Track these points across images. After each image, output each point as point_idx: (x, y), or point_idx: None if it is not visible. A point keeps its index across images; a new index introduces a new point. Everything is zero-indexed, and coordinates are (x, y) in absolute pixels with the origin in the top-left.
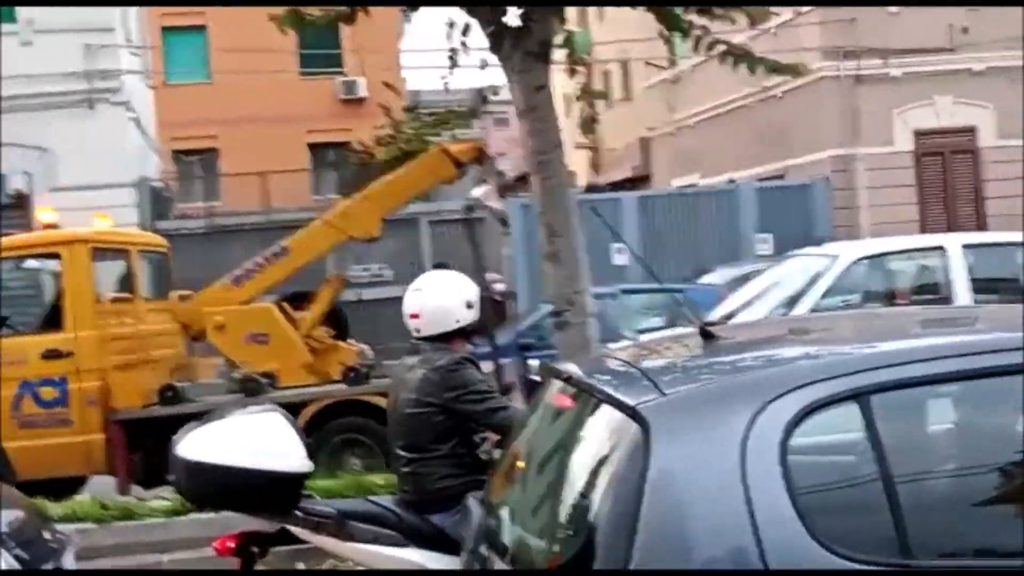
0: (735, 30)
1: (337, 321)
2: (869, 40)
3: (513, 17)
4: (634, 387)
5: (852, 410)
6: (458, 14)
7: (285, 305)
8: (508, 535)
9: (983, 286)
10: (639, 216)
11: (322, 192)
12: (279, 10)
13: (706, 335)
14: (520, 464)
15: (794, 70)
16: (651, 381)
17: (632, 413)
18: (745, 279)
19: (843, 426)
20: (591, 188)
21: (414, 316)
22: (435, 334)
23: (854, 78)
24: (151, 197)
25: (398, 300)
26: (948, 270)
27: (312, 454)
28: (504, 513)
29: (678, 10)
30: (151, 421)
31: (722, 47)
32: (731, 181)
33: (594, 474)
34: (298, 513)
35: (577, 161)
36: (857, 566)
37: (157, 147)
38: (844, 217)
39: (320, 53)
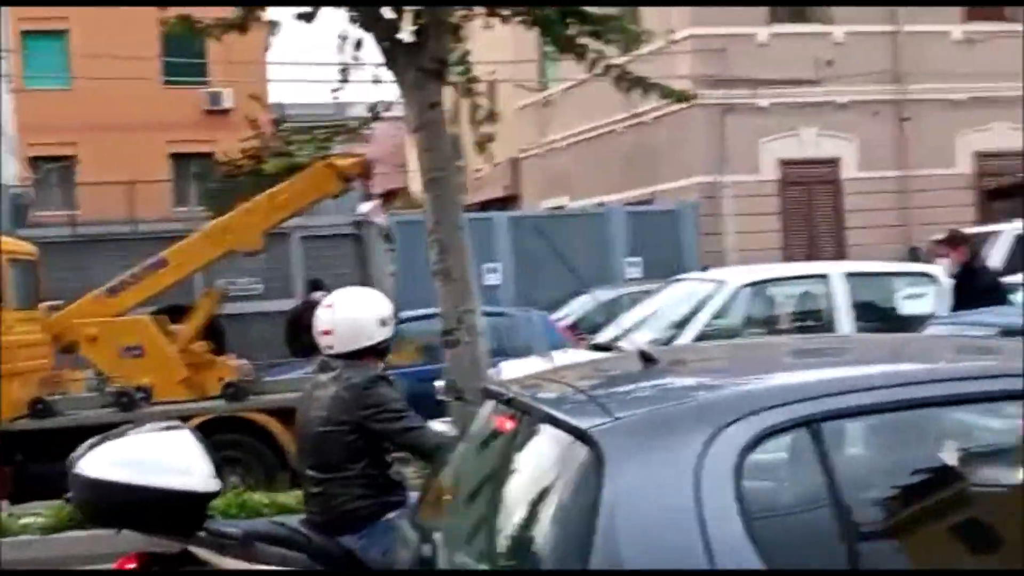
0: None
1: (215, 335)
2: (738, 70)
3: (408, 33)
4: (583, 410)
5: (803, 437)
6: (352, 28)
7: (161, 318)
8: (445, 561)
9: (863, 314)
10: (511, 236)
11: (183, 203)
12: (171, 13)
13: (646, 358)
14: (455, 487)
15: (684, 96)
16: (599, 404)
17: (583, 436)
18: (616, 302)
19: (795, 453)
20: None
21: (327, 333)
22: (348, 351)
23: (723, 107)
24: (10, 204)
25: (268, 315)
26: (831, 297)
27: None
28: (439, 538)
29: (571, 32)
30: (20, 435)
31: (616, 71)
32: (600, 204)
33: (540, 498)
34: (202, 534)
35: None
36: None
37: (16, 153)
38: (711, 243)
39: (184, 62)
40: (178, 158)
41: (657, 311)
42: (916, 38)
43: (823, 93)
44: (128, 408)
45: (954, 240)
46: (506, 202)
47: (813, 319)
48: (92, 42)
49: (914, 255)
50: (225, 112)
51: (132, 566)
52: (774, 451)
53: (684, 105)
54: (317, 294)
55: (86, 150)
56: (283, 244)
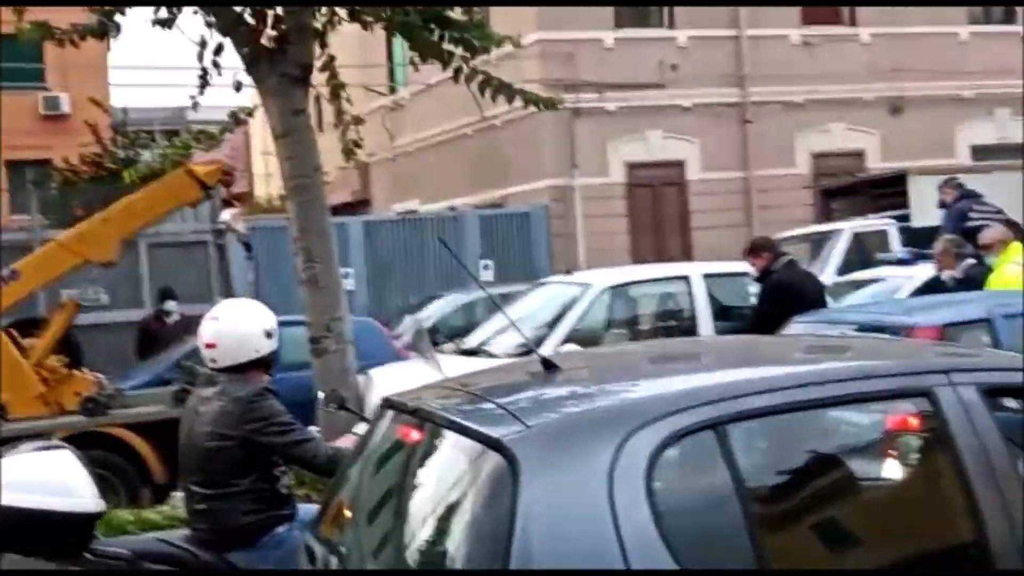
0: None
1: (69, 348)
2: (586, 74)
3: (268, 39)
4: (493, 419)
5: (710, 439)
6: (212, 33)
7: (13, 332)
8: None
9: (722, 314)
10: (364, 241)
11: (20, 212)
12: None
13: (547, 365)
14: (359, 500)
15: (551, 103)
16: (509, 413)
17: (496, 446)
18: (472, 306)
19: (702, 454)
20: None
21: (210, 346)
22: (233, 364)
23: (571, 111)
24: None
25: (116, 326)
26: (692, 298)
27: None
28: (344, 551)
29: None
30: None
31: (479, 76)
32: (452, 208)
33: (453, 508)
34: (88, 555)
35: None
36: None
37: None
38: (561, 244)
39: (19, 67)
40: (13, 165)
41: (524, 315)
42: (757, 42)
43: (668, 96)
44: None
45: (754, 248)
46: (355, 207)
47: (675, 319)
48: None
49: None
50: (63, 117)
51: None
52: (684, 453)
53: (533, 109)
54: (169, 303)
55: None
56: (130, 252)
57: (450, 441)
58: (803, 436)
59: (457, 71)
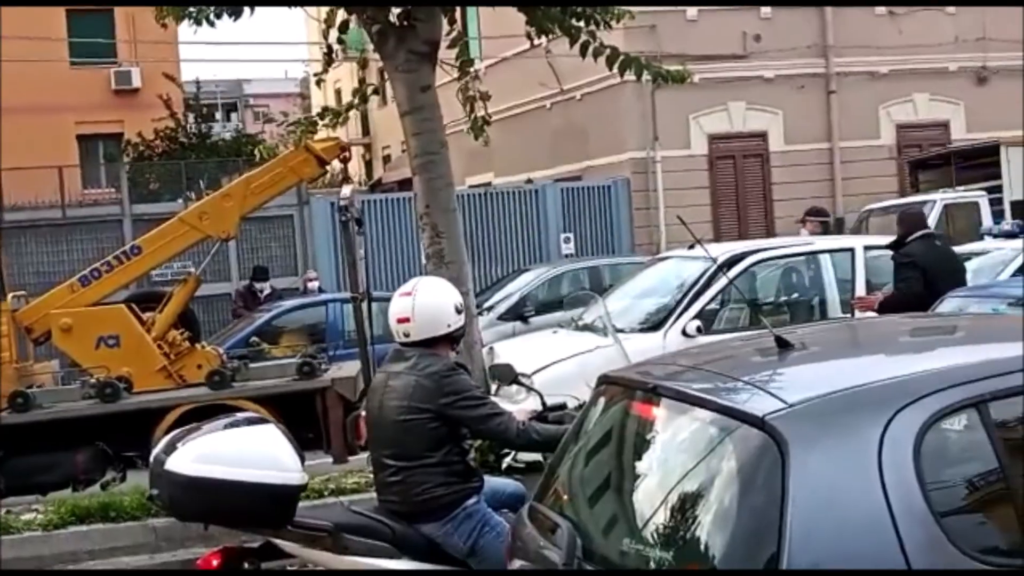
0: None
1: (188, 323)
2: (668, 46)
3: (395, 16)
4: (748, 396)
5: (973, 417)
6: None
7: (133, 306)
8: (608, 548)
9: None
10: None
11: (92, 186)
12: None
13: (781, 343)
14: (589, 477)
15: (680, 77)
16: (763, 390)
17: (758, 423)
18: (558, 280)
19: (965, 432)
20: (376, 186)
21: (403, 320)
22: (424, 339)
23: (652, 82)
24: None
25: (202, 299)
26: (819, 272)
27: None
28: (573, 529)
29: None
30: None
31: (608, 51)
32: (529, 180)
33: (701, 483)
34: (290, 528)
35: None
36: (986, 567)
37: None
38: (642, 218)
39: (91, 42)
40: (85, 139)
41: (645, 290)
42: (841, 12)
43: (751, 68)
44: (111, 399)
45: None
46: None
47: (801, 293)
48: None
49: (840, 226)
50: (134, 91)
51: (216, 562)
52: (949, 430)
53: (615, 81)
54: (261, 284)
55: None
56: None
57: (697, 418)
58: None
59: (584, 45)
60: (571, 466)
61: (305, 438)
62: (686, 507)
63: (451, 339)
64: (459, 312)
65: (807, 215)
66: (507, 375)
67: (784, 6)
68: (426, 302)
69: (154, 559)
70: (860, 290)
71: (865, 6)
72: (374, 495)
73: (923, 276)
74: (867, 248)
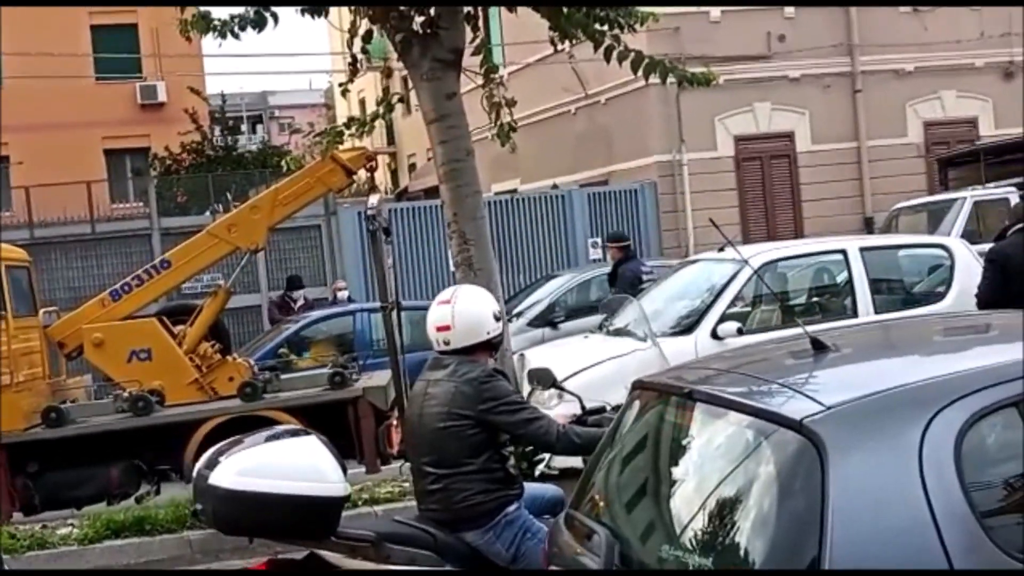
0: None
1: (219, 335)
2: (692, 48)
3: (419, 24)
4: (783, 399)
5: (1013, 416)
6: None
7: (164, 319)
8: (646, 554)
9: (878, 288)
10: None
11: (120, 200)
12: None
13: (817, 345)
14: (625, 481)
15: (705, 80)
16: (799, 392)
17: (795, 426)
18: (588, 285)
19: (1005, 432)
20: (402, 195)
21: (443, 328)
22: (464, 346)
23: (678, 85)
24: None
25: (232, 311)
26: (850, 272)
27: None
28: (612, 535)
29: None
30: (33, 445)
31: (632, 54)
32: (554, 186)
33: (739, 487)
34: (334, 539)
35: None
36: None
37: None
38: (669, 221)
39: (116, 57)
40: (112, 154)
41: (676, 292)
42: (865, 10)
43: (776, 68)
44: (144, 413)
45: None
46: None
47: (833, 294)
48: (20, 40)
49: (869, 226)
50: (160, 106)
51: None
52: (989, 430)
53: (639, 85)
54: (296, 293)
55: (18, 149)
56: None
57: (733, 422)
58: None
59: (608, 50)
60: (607, 473)
61: (337, 448)
62: (724, 512)
63: (490, 346)
64: (498, 319)
65: (608, 242)
66: (546, 379)
67: (808, 6)
68: (466, 310)
69: None
70: (865, 292)
71: (890, 6)
72: (408, 504)
73: (1001, 274)
74: (864, 249)
